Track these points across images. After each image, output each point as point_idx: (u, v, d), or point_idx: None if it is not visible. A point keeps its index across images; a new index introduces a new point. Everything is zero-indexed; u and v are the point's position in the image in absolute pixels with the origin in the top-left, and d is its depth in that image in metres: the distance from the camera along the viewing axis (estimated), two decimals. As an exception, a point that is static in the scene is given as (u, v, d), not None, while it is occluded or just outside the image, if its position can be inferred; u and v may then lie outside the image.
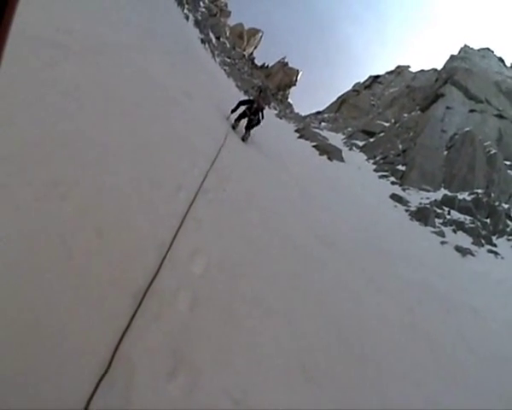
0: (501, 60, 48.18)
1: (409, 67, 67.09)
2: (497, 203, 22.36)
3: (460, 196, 22.86)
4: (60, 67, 5.05)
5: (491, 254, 17.44)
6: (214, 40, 44.21)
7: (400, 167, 27.48)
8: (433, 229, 18.69)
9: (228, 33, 64.28)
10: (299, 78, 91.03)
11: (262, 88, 45.35)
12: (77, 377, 2.04)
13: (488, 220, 21.04)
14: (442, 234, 18.20)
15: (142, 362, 2.40)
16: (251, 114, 12.27)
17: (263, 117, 12.82)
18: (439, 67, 48.33)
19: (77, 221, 2.96)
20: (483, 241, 18.56)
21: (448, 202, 22.17)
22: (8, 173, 2.81)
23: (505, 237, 19.73)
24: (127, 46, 8.97)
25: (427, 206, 21.16)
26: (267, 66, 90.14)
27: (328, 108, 69.43)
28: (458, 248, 16.65)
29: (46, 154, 3.33)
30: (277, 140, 20.39)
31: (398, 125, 36.85)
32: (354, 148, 34.72)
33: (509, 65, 48.22)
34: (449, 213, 20.95)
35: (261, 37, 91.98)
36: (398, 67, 68.76)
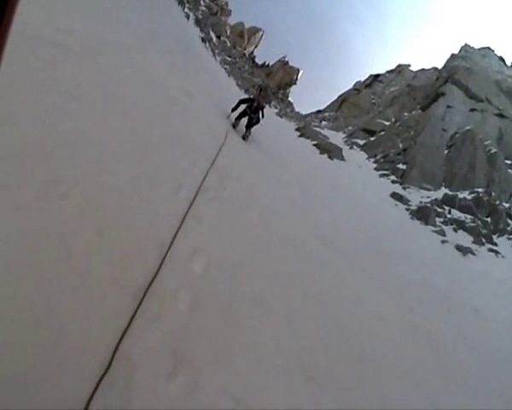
0: (501, 59, 48.13)
1: (409, 65, 67.01)
2: (497, 202, 22.34)
3: (460, 195, 22.84)
4: (60, 66, 5.04)
5: (492, 253, 17.43)
6: (215, 39, 44.17)
7: (401, 166, 27.45)
8: (433, 228, 18.68)
9: (228, 32, 64.28)
10: (299, 76, 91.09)
11: (262, 87, 45.25)
12: (77, 377, 2.04)
13: (489, 219, 21.02)
14: (443, 233, 18.19)
15: (143, 362, 2.40)
16: (251, 112, 12.26)
17: (263, 116, 12.82)
18: (440, 66, 48.33)
19: (77, 221, 2.96)
20: (484, 240, 18.56)
21: (448, 200, 22.15)
22: (8, 173, 2.81)
23: (506, 236, 19.72)
24: (127, 46, 8.97)
25: (428, 205, 21.14)
26: (268, 64, 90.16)
27: (328, 106, 69.38)
28: (459, 247, 16.63)
29: (46, 153, 3.33)
30: (278, 139, 20.39)
31: (398, 123, 36.81)
32: (355, 146, 34.70)
33: (509, 64, 48.16)
34: (449, 212, 20.94)
35: (262, 35, 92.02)
36: (399, 65, 68.68)
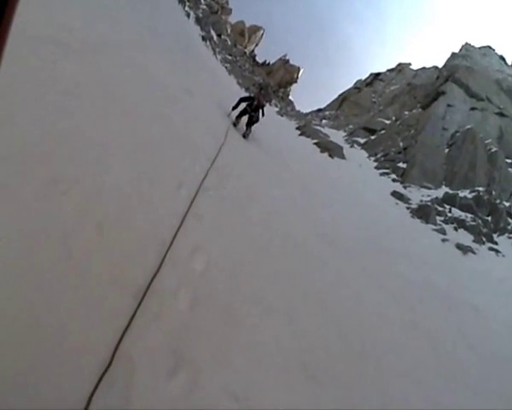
0: (502, 58, 48.03)
1: (410, 64, 66.89)
2: (498, 201, 22.32)
3: (461, 194, 22.82)
4: (60, 65, 5.03)
5: (492, 252, 17.42)
6: (215, 37, 44.16)
7: (401, 165, 27.42)
8: (434, 226, 18.67)
9: (229, 31, 64.17)
10: (300, 75, 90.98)
11: (262, 85, 45.35)
12: (77, 377, 2.04)
13: (489, 218, 21.00)
14: (443, 232, 18.17)
15: (143, 361, 2.40)
16: (251, 110, 12.29)
17: (263, 114, 12.85)
18: (440, 64, 48.28)
19: (77, 220, 2.96)
20: (484, 239, 18.54)
21: (449, 199, 22.13)
22: (8, 172, 2.81)
23: (506, 235, 19.71)
24: (128, 44, 8.95)
25: (428, 203, 21.12)
26: (268, 63, 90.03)
27: (329, 105, 69.35)
28: (459, 246, 16.62)
29: (46, 153, 3.32)
30: (278, 137, 20.39)
31: (399, 122, 36.79)
32: (355, 145, 34.66)
33: (510, 63, 48.06)
34: (450, 211, 20.92)
35: (262, 34, 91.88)
36: (399, 64, 68.61)
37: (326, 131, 37.25)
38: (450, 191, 23.32)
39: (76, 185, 3.27)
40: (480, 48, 48.27)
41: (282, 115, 43.79)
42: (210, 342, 2.97)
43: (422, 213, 19.80)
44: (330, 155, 26.41)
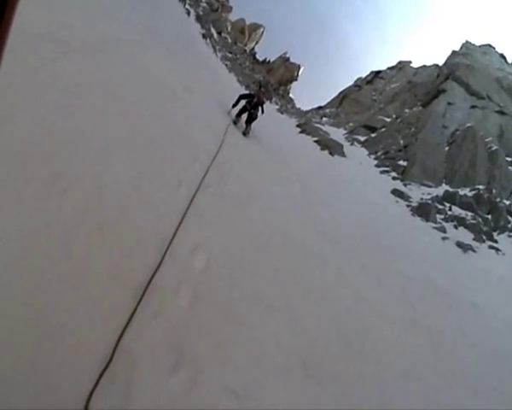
0: (502, 56, 47.98)
1: (410, 62, 66.79)
2: (498, 199, 22.34)
3: (461, 192, 22.84)
4: (60, 64, 5.03)
5: (493, 251, 17.46)
6: (216, 35, 44.09)
7: (401, 163, 27.42)
8: (434, 224, 18.68)
9: (229, 28, 64.09)
10: (300, 73, 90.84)
11: (262, 83, 45.28)
12: (77, 375, 2.04)
13: (489, 216, 21.02)
14: (443, 230, 18.19)
15: (143, 358, 2.40)
16: (251, 108, 12.29)
17: (263, 111, 12.85)
18: (440, 62, 48.25)
19: (77, 217, 2.96)
20: (484, 237, 18.57)
21: (449, 197, 22.15)
22: (8, 172, 2.81)
23: (506, 233, 19.75)
24: (128, 43, 8.94)
25: (429, 201, 21.12)
26: (268, 61, 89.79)
27: (329, 103, 69.29)
28: (459, 244, 16.64)
29: (46, 152, 3.32)
30: (279, 135, 20.36)
31: (399, 120, 36.75)
32: (355, 143, 34.61)
33: (510, 61, 48.00)
34: (450, 209, 20.93)
35: (262, 32, 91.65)
36: (400, 62, 68.52)
37: (326, 128, 37.20)
38: (451, 189, 23.32)
39: (76, 184, 3.27)
40: (480, 46, 48.20)
41: (282, 113, 43.75)
42: (210, 340, 2.97)
43: (423, 211, 19.82)
44: (330, 153, 26.39)
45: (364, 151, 32.37)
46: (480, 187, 23.27)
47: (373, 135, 36.23)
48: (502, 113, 32.59)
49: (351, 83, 71.77)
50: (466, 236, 18.21)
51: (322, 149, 26.77)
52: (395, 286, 7.84)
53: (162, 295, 2.98)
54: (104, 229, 3.08)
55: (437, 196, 22.36)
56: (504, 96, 34.74)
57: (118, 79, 6.47)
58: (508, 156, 27.58)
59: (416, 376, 4.87)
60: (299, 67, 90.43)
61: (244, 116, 12.45)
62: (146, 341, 2.53)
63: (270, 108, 26.91)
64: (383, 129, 36.63)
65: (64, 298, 2.33)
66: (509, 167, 26.60)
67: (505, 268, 15.37)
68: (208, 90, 13.64)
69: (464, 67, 36.69)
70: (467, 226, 19.22)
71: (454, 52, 44.86)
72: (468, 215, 20.39)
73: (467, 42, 47.76)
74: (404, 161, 27.66)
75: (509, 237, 19.38)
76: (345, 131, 39.53)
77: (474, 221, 19.71)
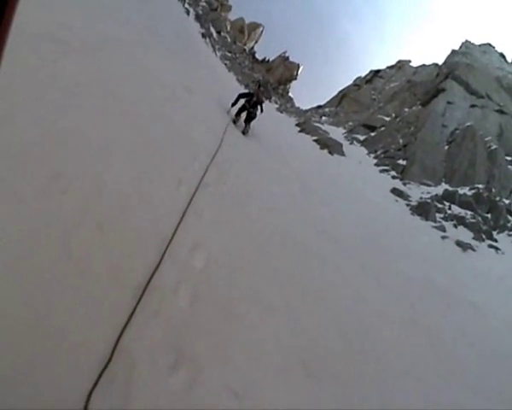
0: (502, 55, 48.01)
1: (410, 61, 66.85)
2: (497, 198, 22.37)
3: (461, 191, 22.86)
4: (60, 64, 5.02)
5: (492, 250, 17.48)
6: (215, 34, 44.08)
7: (401, 162, 27.45)
8: (433, 224, 18.71)
9: (229, 28, 64.07)
10: (299, 72, 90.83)
11: (261, 82, 45.31)
12: (77, 375, 2.04)
13: (489, 215, 21.05)
14: (443, 229, 18.21)
15: (143, 358, 2.40)
16: (250, 106, 12.32)
17: (262, 110, 12.88)
18: (440, 62, 48.29)
19: (77, 217, 2.96)
20: (484, 236, 18.59)
21: (449, 196, 22.17)
22: (8, 172, 2.80)
23: (506, 232, 19.77)
24: (127, 42, 8.94)
25: (428, 200, 21.14)
26: (268, 60, 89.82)
27: (328, 102, 69.37)
28: (459, 243, 16.66)
29: (46, 152, 3.32)
30: (278, 134, 20.37)
31: (398, 119, 36.77)
32: (355, 142, 34.63)
33: (510, 61, 48.01)
34: (450, 208, 20.95)
35: (262, 31, 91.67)
36: (399, 61, 68.55)
37: (326, 127, 37.24)
38: (450, 188, 23.35)
39: (76, 184, 3.27)
40: (479, 45, 48.24)
41: (281, 112, 43.75)
42: (210, 339, 2.97)
43: (422, 210, 19.85)
44: (330, 152, 26.41)
45: (364, 150, 32.40)
46: (480, 186, 23.29)
47: (372, 134, 36.27)
48: (501, 112, 32.61)
49: (350, 82, 71.97)
50: (465, 235, 18.23)
51: (321, 149, 26.79)
52: (395, 286, 7.84)
53: (161, 295, 2.98)
54: (104, 229, 3.08)
55: (436, 195, 22.39)
56: (504, 96, 34.77)
57: (118, 78, 6.46)
58: (507, 155, 27.61)
59: (416, 375, 4.87)
60: (298, 67, 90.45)
61: (243, 115, 12.48)
62: (145, 341, 2.53)
63: (269, 107, 26.92)
64: (382, 128, 36.66)
65: (64, 298, 2.33)
66: (509, 166, 26.63)
67: (505, 267, 15.38)
68: (208, 90, 13.65)
69: (464, 67, 36.70)
70: (466, 225, 19.24)
71: (453, 51, 44.88)
72: (467, 214, 20.42)
73: (466, 41, 47.77)
74: (404, 160, 27.70)
75: (509, 236, 19.39)
76: (344, 131, 39.56)
77: (473, 220, 19.73)
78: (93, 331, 2.31)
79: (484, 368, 6.40)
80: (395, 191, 22.28)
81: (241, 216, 5.86)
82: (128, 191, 3.89)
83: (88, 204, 3.18)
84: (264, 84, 50.98)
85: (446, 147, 28.12)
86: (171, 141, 6.15)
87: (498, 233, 19.55)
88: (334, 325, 4.68)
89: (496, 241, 18.49)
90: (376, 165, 28.22)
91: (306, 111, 59.97)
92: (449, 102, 32.57)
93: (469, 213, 20.61)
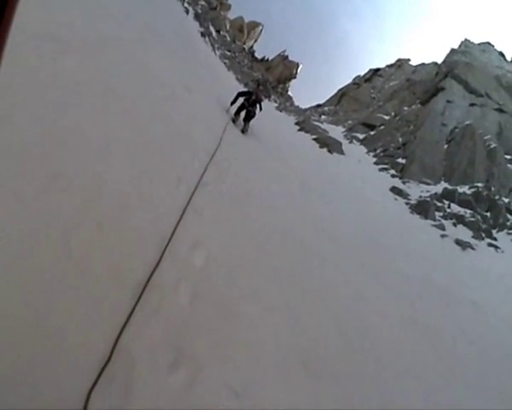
0: (501, 54, 48.05)
1: (409, 60, 66.87)
2: (497, 197, 22.37)
3: (460, 190, 22.87)
4: (60, 63, 5.01)
5: (492, 248, 17.46)
6: (214, 33, 44.02)
7: (400, 160, 27.44)
8: (433, 222, 18.70)
9: (228, 27, 64.01)
10: (299, 71, 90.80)
11: (260, 81, 45.30)
12: (77, 374, 2.04)
13: (488, 214, 21.05)
14: (442, 227, 18.21)
15: (142, 356, 2.40)
16: (249, 105, 12.34)
17: (261, 109, 12.89)
18: (439, 61, 48.31)
19: (77, 215, 2.96)
20: (483, 234, 18.58)
21: (448, 195, 22.17)
22: (8, 171, 2.80)
23: (505, 230, 19.75)
24: (127, 42, 8.93)
25: (428, 199, 21.15)
26: (267, 59, 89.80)
27: (328, 100, 69.31)
28: (458, 242, 16.66)
29: (46, 151, 3.31)
30: (277, 133, 20.37)
31: (398, 118, 36.78)
32: (354, 141, 34.64)
33: (509, 59, 48.06)
34: (449, 207, 20.96)
35: (261, 30, 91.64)
36: (399, 60, 68.54)
37: (325, 126, 37.24)
38: (450, 187, 23.36)
39: (76, 183, 3.27)
40: (479, 44, 48.32)
41: (280, 111, 43.71)
42: (210, 338, 2.97)
43: (421, 208, 19.85)
44: (329, 151, 26.40)
45: (363, 149, 32.41)
46: (479, 185, 23.31)
47: (372, 133, 36.28)
48: (501, 110, 32.63)
49: (349, 81, 71.96)
50: (465, 233, 18.23)
51: (320, 147, 26.78)
52: (394, 284, 7.85)
53: (161, 294, 2.98)
54: (104, 228, 3.08)
55: (436, 193, 22.39)
56: (503, 94, 34.80)
57: (118, 77, 6.45)
58: (507, 154, 27.62)
59: (416, 374, 4.87)
60: (297, 65, 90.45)
61: (242, 114, 12.48)
62: (145, 339, 2.53)
63: (268, 105, 26.94)
64: (382, 127, 36.69)
65: (64, 298, 2.32)
66: (508, 165, 26.63)
67: (504, 266, 15.37)
68: (207, 89, 13.64)
69: (463, 65, 36.73)
70: (466, 224, 19.23)
71: (453, 50, 44.97)
72: (466, 213, 20.42)
73: (466, 40, 47.84)
74: (403, 158, 27.70)
75: (508, 234, 19.39)
76: (343, 129, 39.56)
77: (472, 219, 19.74)
78: (93, 331, 2.31)
79: (484, 367, 6.41)
80: (394, 190, 22.28)
81: (240, 215, 5.87)
82: (128, 190, 3.89)
83: (88, 204, 3.17)
84: (264, 82, 51.04)
85: (446, 146, 28.14)
86: (171, 140, 6.15)
87: (498, 232, 19.55)
88: (334, 324, 4.68)
89: (495, 239, 18.48)
90: (376, 163, 28.21)
91: (306, 110, 59.89)
92: (448, 101, 32.60)
93: (469, 211, 20.62)
